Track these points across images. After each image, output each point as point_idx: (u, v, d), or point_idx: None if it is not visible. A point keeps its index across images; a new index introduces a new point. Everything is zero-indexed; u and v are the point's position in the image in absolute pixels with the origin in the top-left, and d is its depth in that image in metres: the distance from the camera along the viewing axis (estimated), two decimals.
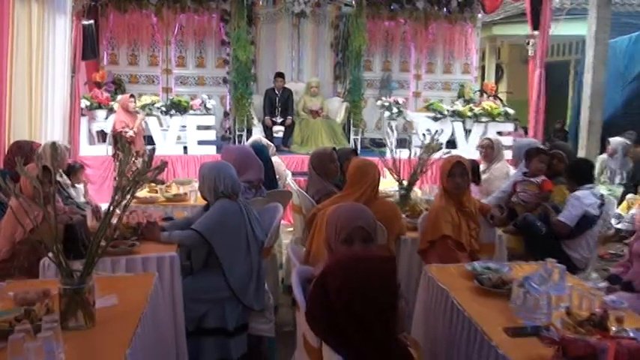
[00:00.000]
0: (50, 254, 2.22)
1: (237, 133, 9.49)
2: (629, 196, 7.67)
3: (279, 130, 9.43)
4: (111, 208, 2.23)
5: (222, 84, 10.36)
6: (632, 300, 3.20)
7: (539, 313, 2.38)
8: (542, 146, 5.38)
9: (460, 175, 3.68)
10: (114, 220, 2.38)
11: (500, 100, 10.37)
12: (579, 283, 2.91)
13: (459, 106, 9.77)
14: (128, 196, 2.25)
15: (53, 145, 4.37)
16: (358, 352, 1.69)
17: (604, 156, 9.46)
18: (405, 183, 4.72)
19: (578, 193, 4.33)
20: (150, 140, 8.79)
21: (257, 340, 3.91)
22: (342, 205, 2.33)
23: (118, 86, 9.78)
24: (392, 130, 9.42)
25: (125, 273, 3.22)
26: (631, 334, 2.23)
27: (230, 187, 3.61)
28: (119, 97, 8.75)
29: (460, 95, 10.66)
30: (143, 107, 8.72)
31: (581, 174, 4.37)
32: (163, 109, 8.98)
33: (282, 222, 6.12)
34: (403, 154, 6.80)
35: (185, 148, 8.96)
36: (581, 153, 8.99)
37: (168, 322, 3.18)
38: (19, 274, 3.59)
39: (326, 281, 1.75)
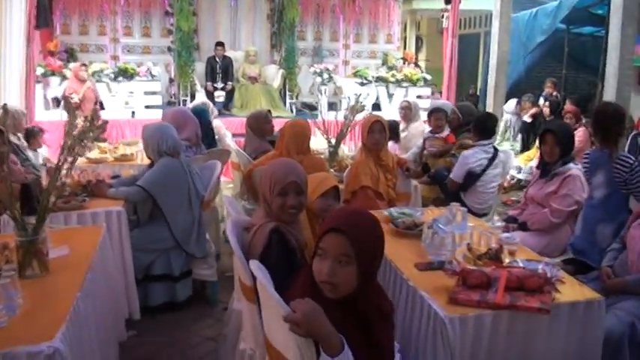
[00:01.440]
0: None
1: (182, 98, 9.34)
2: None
3: (220, 95, 9.28)
4: (59, 166, 2.17)
5: (166, 52, 10.06)
6: (526, 237, 3.38)
7: (445, 250, 2.49)
8: (447, 107, 5.50)
9: (379, 132, 3.74)
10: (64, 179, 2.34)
11: (420, 67, 10.52)
12: (480, 223, 3.05)
13: (383, 72, 9.84)
14: (74, 155, 2.20)
15: (4, 107, 4.16)
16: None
17: (508, 115, 9.78)
18: (333, 141, 4.77)
19: (465, 152, 4.46)
20: (100, 106, 8.49)
21: (202, 284, 3.95)
22: (275, 162, 2.34)
23: (70, 55, 9.41)
24: (321, 94, 9.42)
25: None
26: (520, 264, 2.37)
27: (172, 147, 3.56)
28: (72, 65, 8.43)
29: (384, 63, 10.71)
30: (93, 74, 8.41)
31: (483, 127, 4.49)
32: (112, 75, 8.68)
33: (223, 179, 6.12)
34: (333, 115, 6.83)
35: (133, 112, 8.72)
36: None
37: (117, 271, 3.17)
38: None
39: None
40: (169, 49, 9.97)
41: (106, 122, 2.33)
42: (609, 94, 7.37)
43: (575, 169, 3.46)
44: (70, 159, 2.20)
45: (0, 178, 2.15)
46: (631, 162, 3.27)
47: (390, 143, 4.76)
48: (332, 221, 1.61)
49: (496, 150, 4.47)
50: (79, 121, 2.22)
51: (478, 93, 14.71)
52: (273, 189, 2.17)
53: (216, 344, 3.22)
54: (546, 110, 8.41)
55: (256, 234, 2.13)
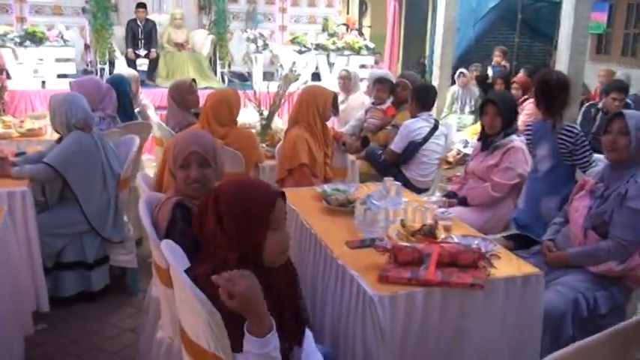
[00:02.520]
0: None
1: (99, 66, 9.01)
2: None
3: (142, 64, 9.04)
4: None
5: (81, 14, 9.64)
6: (466, 213, 3.50)
7: (377, 227, 2.54)
8: (388, 77, 5.59)
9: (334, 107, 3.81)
10: None
11: (362, 34, 10.58)
12: (416, 199, 3.13)
13: (323, 39, 9.84)
14: None
15: None
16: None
17: (455, 87, 9.98)
18: (265, 114, 4.76)
19: (406, 122, 4.56)
20: (6, 75, 8.12)
21: (121, 272, 3.90)
22: (181, 133, 2.34)
23: None
24: (255, 63, 9.33)
25: None
26: (455, 240, 2.45)
27: (82, 119, 3.47)
28: None
29: (324, 29, 10.72)
30: None
31: (422, 98, 4.59)
32: (17, 40, 8.28)
33: (147, 156, 6.01)
34: (269, 86, 6.79)
35: (43, 82, 8.39)
36: (434, 84, 9.43)
37: (22, 258, 3.09)
38: None
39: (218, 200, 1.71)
40: (84, 10, 9.54)
41: (5, 88, 2.24)
42: (562, 63, 7.62)
43: (518, 140, 3.59)
44: None
45: None
46: (576, 131, 3.40)
47: None
48: None
49: (436, 121, 4.58)
50: None
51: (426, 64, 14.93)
52: (176, 161, 2.17)
53: (136, 336, 3.20)
54: (499, 88, 8.56)
55: (161, 209, 2.13)
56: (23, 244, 3.16)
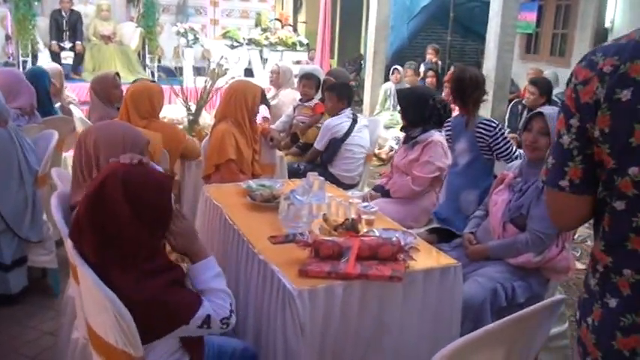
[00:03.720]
0: None
1: (22, 58, 8.72)
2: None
3: (67, 57, 8.79)
4: None
5: (1, 3, 9.25)
6: (388, 206, 3.57)
7: (301, 222, 2.56)
8: (315, 73, 5.64)
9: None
10: None
11: (296, 30, 10.61)
12: (341, 194, 3.19)
13: (256, 34, 9.82)
14: None
15: None
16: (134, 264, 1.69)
17: (389, 84, 10.14)
18: (193, 109, 4.72)
19: (327, 120, 4.66)
20: None
21: (43, 272, 3.80)
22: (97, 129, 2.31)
23: None
24: (183, 58, 9.21)
25: None
26: (376, 233, 2.50)
27: None
28: None
29: (257, 24, 10.69)
30: None
31: (341, 95, 4.68)
32: None
33: (71, 153, 5.83)
34: (200, 82, 6.73)
35: None
36: (367, 81, 9.58)
37: None
38: None
39: (106, 189, 1.70)
40: None
41: None
42: (490, 61, 7.86)
43: (438, 135, 3.70)
44: None
45: None
46: (494, 125, 3.50)
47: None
48: None
49: (355, 115, 4.68)
50: None
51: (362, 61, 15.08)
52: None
53: (55, 338, 3.13)
54: (431, 80, 8.79)
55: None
56: None
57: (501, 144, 3.50)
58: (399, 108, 9.52)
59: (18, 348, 3.16)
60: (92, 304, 1.68)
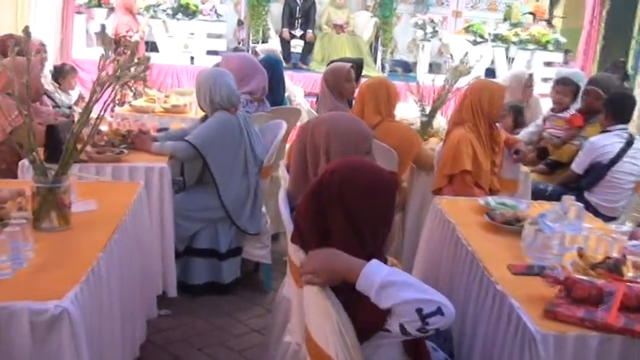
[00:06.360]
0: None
1: (252, 44, 9.40)
2: None
3: (297, 45, 9.36)
4: (89, 105, 2.28)
5: None
6: None
7: (549, 254, 2.43)
8: (575, 78, 5.27)
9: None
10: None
11: (553, 26, 10.15)
12: (602, 226, 2.95)
13: (503, 30, 9.59)
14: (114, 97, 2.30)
15: (26, 29, 4.40)
16: None
17: None
18: (427, 109, 4.72)
19: (592, 138, 4.31)
20: (153, 47, 8.77)
21: (255, 266, 4.07)
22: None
23: None
24: (421, 52, 9.27)
25: None
26: None
27: (226, 98, 3.63)
28: None
29: (506, 18, 10.41)
30: (147, 9, 8.64)
31: (616, 108, 4.32)
32: (170, 12, 8.88)
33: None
34: (435, 80, 6.74)
35: (192, 58, 8.94)
36: (637, 92, 8.84)
37: (154, 237, 3.26)
38: None
39: (323, 185, 1.78)
40: None
41: (148, 58, 2.40)
42: None
43: None
44: (106, 100, 2.30)
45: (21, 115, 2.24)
46: None
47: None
48: None
49: (631, 136, 4.29)
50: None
51: (630, 67, 13.98)
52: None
53: (262, 337, 3.32)
54: None
55: None
56: (156, 222, 3.34)
57: None
58: None
59: (225, 340, 3.41)
60: (315, 310, 1.73)
